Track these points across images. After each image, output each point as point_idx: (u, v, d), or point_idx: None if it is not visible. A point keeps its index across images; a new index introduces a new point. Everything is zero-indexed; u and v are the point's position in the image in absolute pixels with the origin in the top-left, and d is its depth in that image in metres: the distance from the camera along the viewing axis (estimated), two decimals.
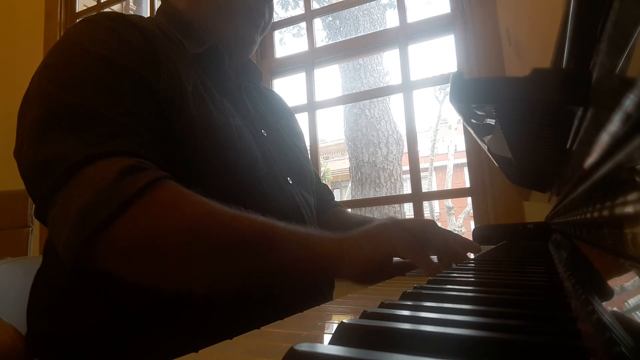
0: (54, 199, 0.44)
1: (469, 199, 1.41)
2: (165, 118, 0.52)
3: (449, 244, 0.54)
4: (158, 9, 0.72)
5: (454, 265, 0.53)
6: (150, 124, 0.51)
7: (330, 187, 0.94)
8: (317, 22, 2.39)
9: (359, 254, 0.48)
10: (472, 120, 0.36)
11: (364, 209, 3.29)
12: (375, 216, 1.01)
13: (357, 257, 0.48)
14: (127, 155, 0.46)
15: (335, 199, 0.93)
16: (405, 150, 1.93)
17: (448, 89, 0.32)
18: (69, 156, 0.44)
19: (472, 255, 0.64)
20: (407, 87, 1.53)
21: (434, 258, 0.53)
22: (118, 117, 0.48)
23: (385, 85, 4.09)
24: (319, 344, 0.16)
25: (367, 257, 0.48)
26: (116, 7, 2.25)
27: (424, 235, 0.53)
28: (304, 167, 0.75)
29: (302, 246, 0.48)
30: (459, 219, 7.71)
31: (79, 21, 0.57)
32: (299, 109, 1.68)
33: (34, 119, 0.49)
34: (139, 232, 0.43)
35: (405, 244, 0.48)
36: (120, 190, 0.43)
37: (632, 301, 0.18)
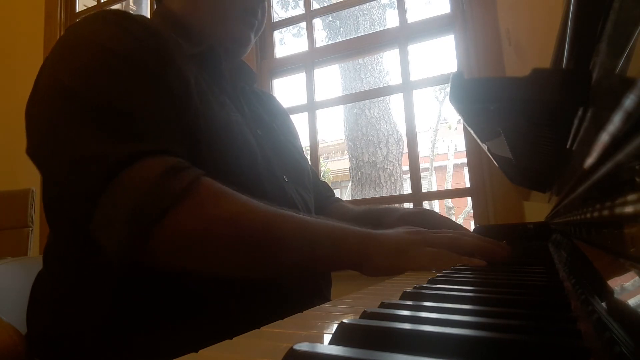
0: (99, 199, 0.45)
1: (469, 199, 1.41)
2: (175, 112, 0.53)
3: (480, 244, 0.51)
4: (154, 11, 0.73)
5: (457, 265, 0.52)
6: (170, 118, 0.52)
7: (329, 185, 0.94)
8: (317, 22, 2.39)
9: (380, 262, 0.49)
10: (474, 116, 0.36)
11: None
12: None
13: (377, 264, 0.49)
14: (163, 154, 0.48)
15: (336, 196, 0.92)
16: (405, 150, 1.93)
17: (448, 89, 0.32)
18: (110, 156, 0.45)
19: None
20: (407, 87, 1.53)
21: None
22: (145, 115, 0.49)
23: (385, 85, 4.09)
24: (319, 344, 0.16)
25: (387, 268, 0.49)
26: (116, 7, 2.25)
27: (454, 248, 0.50)
28: (300, 165, 0.75)
29: (331, 242, 0.50)
30: (459, 219, 7.70)
31: (86, 17, 0.57)
32: (299, 109, 1.68)
33: (57, 116, 0.49)
34: (186, 228, 0.46)
35: (426, 261, 0.49)
36: (168, 189, 0.45)
37: (632, 301, 0.18)
